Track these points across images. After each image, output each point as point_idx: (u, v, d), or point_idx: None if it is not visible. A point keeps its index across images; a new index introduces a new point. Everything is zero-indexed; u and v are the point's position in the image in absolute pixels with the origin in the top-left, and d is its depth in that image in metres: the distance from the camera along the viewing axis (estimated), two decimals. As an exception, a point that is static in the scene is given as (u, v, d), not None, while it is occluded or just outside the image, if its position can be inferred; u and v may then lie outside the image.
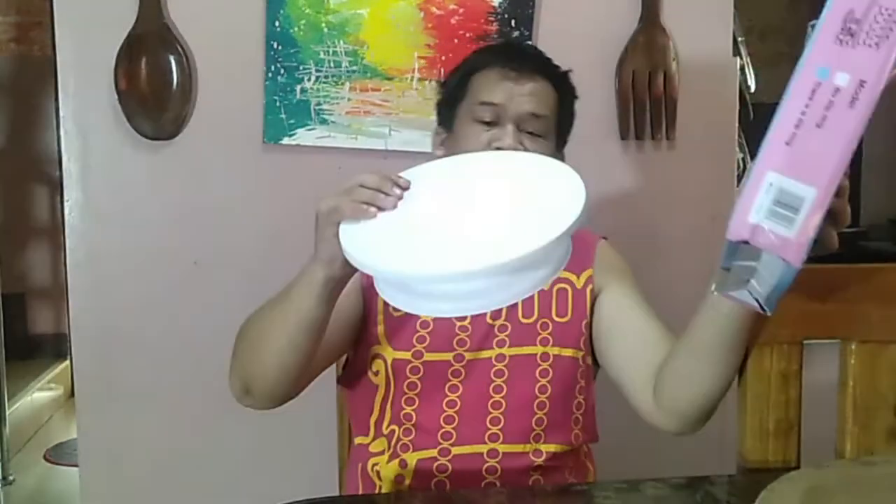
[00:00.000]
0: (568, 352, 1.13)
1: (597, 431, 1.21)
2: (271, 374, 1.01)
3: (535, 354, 1.12)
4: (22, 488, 2.85)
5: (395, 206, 0.89)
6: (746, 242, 0.68)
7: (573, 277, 1.15)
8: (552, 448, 1.12)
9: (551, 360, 1.12)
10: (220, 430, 1.65)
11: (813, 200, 0.67)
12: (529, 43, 1.20)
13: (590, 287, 1.15)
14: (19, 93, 3.80)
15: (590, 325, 1.15)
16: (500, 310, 1.12)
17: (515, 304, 1.12)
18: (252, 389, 1.03)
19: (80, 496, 1.64)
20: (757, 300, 0.74)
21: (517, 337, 1.12)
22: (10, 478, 2.86)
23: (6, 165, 3.83)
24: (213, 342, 1.61)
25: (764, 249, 0.68)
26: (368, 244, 0.87)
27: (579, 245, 1.15)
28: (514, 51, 1.19)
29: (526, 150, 1.10)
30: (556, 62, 1.19)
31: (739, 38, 1.95)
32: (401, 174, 0.93)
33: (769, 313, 0.78)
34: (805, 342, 1.07)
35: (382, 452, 1.13)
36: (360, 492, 1.15)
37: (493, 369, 1.12)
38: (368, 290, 1.13)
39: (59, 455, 3.07)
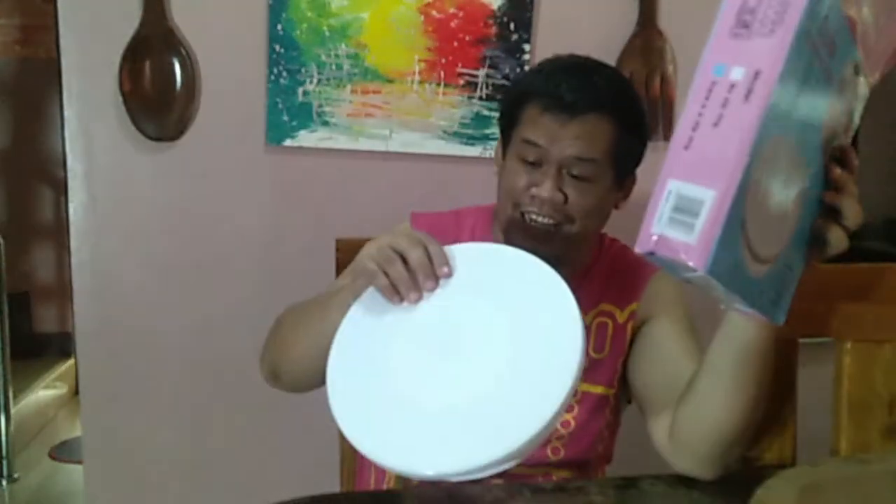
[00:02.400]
0: (598, 389, 1.10)
1: (612, 453, 1.19)
2: (300, 370, 1.04)
3: None
4: (26, 486, 2.86)
5: (417, 301, 0.89)
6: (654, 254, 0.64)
7: (616, 311, 1.11)
8: (564, 473, 1.11)
9: (579, 395, 1.09)
10: (223, 428, 1.66)
11: (712, 203, 0.62)
12: (592, 58, 1.07)
13: (631, 323, 1.10)
14: (24, 94, 3.82)
15: (625, 362, 1.11)
16: None
17: None
18: (280, 377, 1.07)
19: (85, 494, 1.65)
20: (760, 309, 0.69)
21: None
22: (15, 475, 2.87)
23: (12, 166, 3.85)
24: (217, 341, 1.64)
25: (672, 258, 0.63)
26: (366, 425, 0.90)
27: (629, 277, 1.12)
28: (568, 80, 1.03)
29: (566, 197, 1.02)
30: (622, 87, 1.07)
31: (738, 40, 1.96)
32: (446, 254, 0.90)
33: (778, 322, 0.74)
34: (800, 341, 1.08)
35: None
36: (372, 477, 1.16)
37: None
38: None
39: (63, 453, 3.08)
